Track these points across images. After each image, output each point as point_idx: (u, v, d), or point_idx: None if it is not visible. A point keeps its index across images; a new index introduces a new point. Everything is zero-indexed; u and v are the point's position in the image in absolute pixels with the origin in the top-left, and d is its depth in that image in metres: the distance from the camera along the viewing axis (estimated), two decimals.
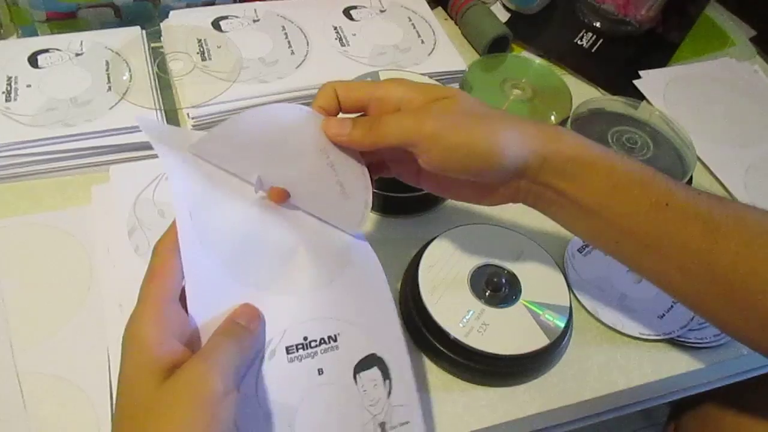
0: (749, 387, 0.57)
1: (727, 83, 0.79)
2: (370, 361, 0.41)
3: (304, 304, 0.41)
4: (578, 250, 0.58)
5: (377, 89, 0.41)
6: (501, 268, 0.52)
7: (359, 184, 0.43)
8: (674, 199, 0.40)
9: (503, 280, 0.51)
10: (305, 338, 0.40)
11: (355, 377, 0.40)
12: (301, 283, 0.42)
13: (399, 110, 0.41)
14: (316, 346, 0.40)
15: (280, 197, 0.43)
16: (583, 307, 0.54)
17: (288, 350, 0.39)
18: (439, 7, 0.84)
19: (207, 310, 0.37)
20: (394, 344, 0.42)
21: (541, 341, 0.49)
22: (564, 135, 0.41)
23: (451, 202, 0.61)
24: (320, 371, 0.40)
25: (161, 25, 0.68)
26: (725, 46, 0.85)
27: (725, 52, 0.84)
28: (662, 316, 0.54)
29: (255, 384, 0.38)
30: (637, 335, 0.53)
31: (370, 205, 0.43)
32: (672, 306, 0.55)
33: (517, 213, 0.61)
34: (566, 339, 0.51)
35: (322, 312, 0.41)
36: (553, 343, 0.49)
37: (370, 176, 0.43)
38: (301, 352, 0.40)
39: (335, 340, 0.40)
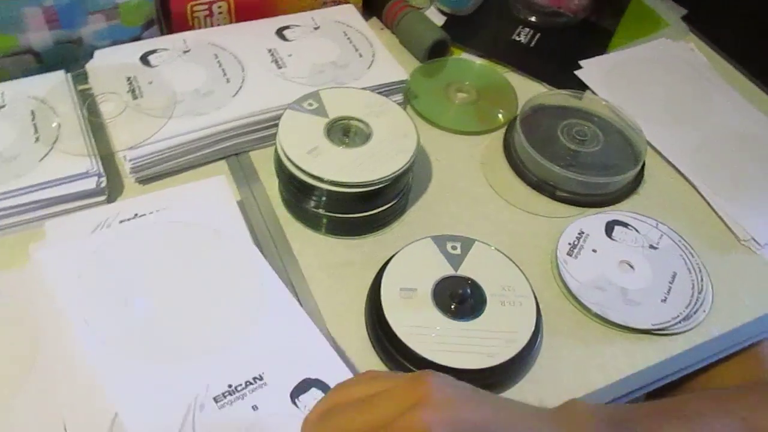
0: (721, 368, 0.57)
1: (666, 64, 0.80)
2: (306, 384, 0.45)
3: (222, 357, 0.45)
4: (567, 253, 0.57)
5: None
6: (464, 278, 0.51)
7: None
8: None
9: (468, 291, 0.50)
10: (230, 385, 0.44)
11: (295, 402, 0.44)
12: (215, 341, 0.46)
13: None
14: (242, 389, 0.44)
15: None
16: (589, 310, 0.54)
17: (216, 399, 0.43)
18: (374, 18, 0.82)
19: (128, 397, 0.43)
20: (327, 364, 0.46)
21: (512, 349, 0.48)
22: None
23: (406, 217, 0.60)
24: (255, 407, 0.43)
25: (86, 66, 0.64)
26: (659, 27, 0.86)
27: (660, 33, 0.85)
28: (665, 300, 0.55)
29: None
30: (650, 327, 0.53)
31: None
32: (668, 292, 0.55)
33: (473, 221, 0.60)
34: (537, 343, 0.50)
35: (242, 358, 0.45)
36: (523, 349, 0.48)
37: None
38: (229, 398, 0.43)
39: (261, 379, 0.44)
